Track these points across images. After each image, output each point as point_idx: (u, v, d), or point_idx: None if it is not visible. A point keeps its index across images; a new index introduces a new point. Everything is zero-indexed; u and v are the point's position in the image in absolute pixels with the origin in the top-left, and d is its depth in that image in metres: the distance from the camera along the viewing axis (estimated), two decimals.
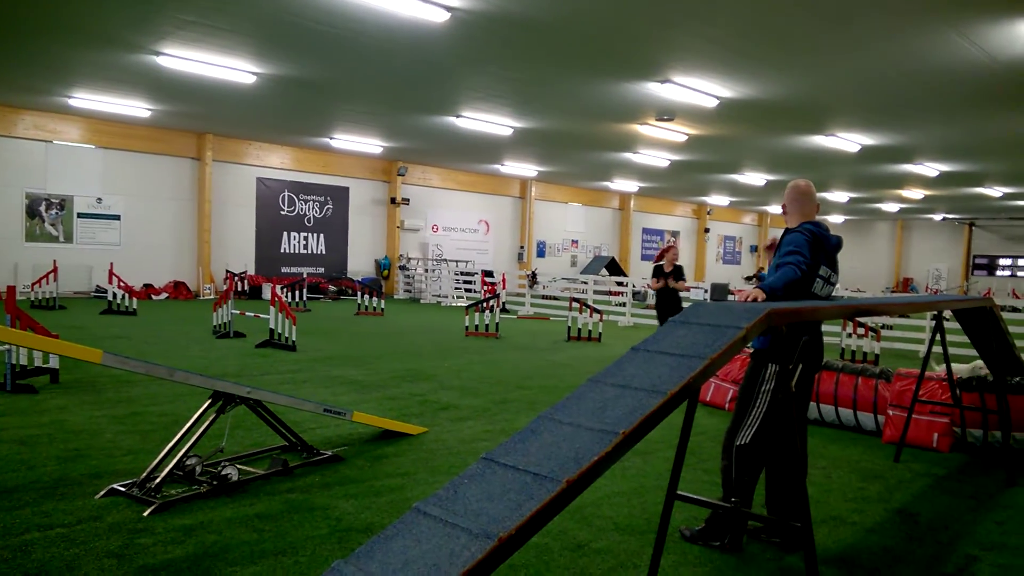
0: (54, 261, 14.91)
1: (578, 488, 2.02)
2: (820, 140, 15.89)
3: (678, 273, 9.93)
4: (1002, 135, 14.62)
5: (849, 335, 11.70)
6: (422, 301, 21.32)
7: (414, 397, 7.18)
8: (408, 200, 23.41)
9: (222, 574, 3.21)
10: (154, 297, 17.80)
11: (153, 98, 14.63)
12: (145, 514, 3.80)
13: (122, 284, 14.13)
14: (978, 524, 4.29)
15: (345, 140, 19.14)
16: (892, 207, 30.79)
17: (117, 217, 17.93)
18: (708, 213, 35.24)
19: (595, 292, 19.03)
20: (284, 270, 21.00)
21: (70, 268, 16.70)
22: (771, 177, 22.72)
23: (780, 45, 9.49)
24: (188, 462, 4.30)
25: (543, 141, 17.98)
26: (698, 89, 11.79)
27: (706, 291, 17.89)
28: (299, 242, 21.53)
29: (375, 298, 16.40)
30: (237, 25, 9.66)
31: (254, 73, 12.11)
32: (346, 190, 22.39)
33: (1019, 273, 35.36)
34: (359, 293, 16.79)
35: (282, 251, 21.16)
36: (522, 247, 27.72)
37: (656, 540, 3.19)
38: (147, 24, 9.74)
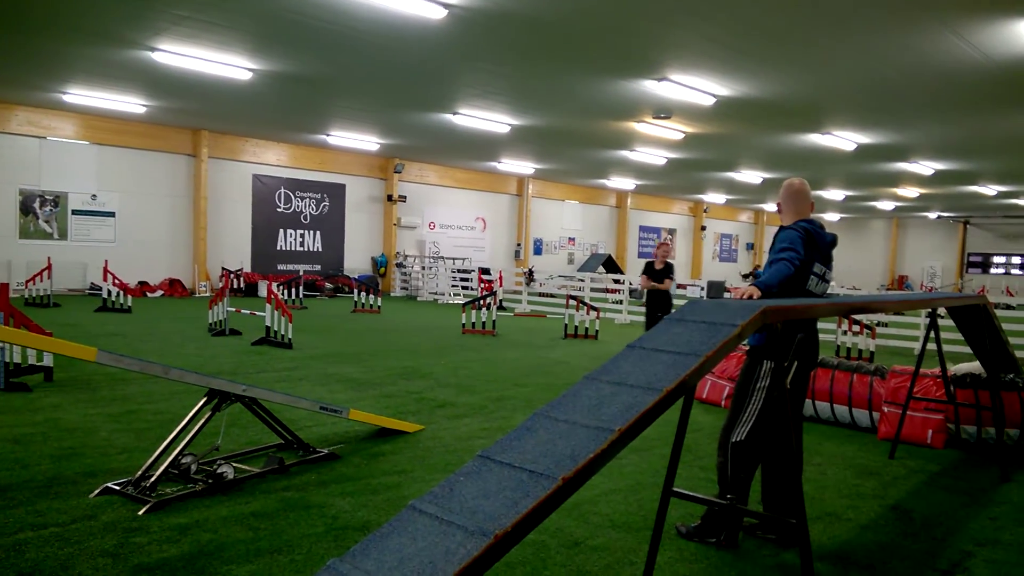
0: (48, 258, 14.84)
1: (574, 485, 2.02)
2: (816, 138, 15.91)
3: (668, 270, 9.71)
4: (996, 134, 14.67)
5: (844, 332, 11.73)
6: (419, 299, 21.31)
7: (411, 395, 7.18)
8: (405, 197, 23.38)
9: (218, 573, 3.20)
10: (149, 295, 17.74)
11: (148, 94, 14.58)
12: (140, 513, 3.79)
13: (117, 281, 14.09)
14: (972, 520, 4.31)
15: (342, 137, 19.10)
16: (887, 205, 30.87)
17: (112, 214, 17.87)
18: (705, 211, 35.29)
19: (592, 289, 19.03)
20: (280, 267, 20.96)
21: (64, 265, 16.63)
22: (767, 175, 22.76)
23: (777, 44, 9.50)
24: (183, 460, 4.29)
25: (540, 139, 17.97)
26: (695, 87, 11.79)
27: (702, 289, 17.93)
28: (295, 239, 21.49)
29: (372, 296, 16.38)
30: (233, 21, 9.63)
31: (250, 69, 12.07)
32: (343, 187, 22.35)
33: (1013, 271, 35.50)
34: (356, 291, 16.76)
35: (278, 248, 21.11)
36: (519, 245, 27.72)
37: (652, 537, 3.19)
38: (142, 19, 9.70)
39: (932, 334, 5.38)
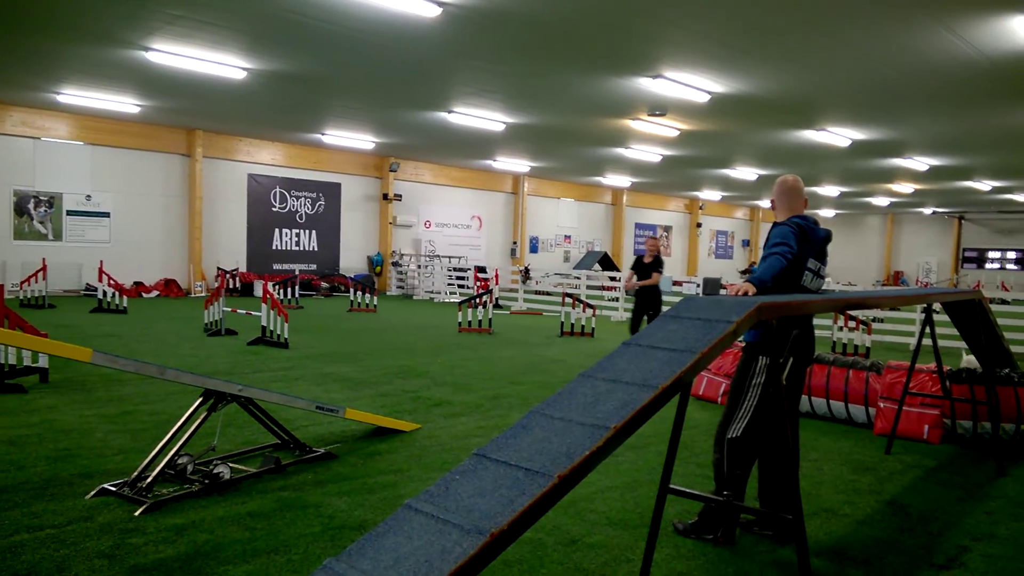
0: (43, 259, 14.80)
1: (570, 483, 2.02)
2: (811, 135, 15.93)
3: (657, 264, 9.45)
4: (991, 129, 14.71)
5: (840, 328, 11.75)
6: (415, 297, 21.29)
7: (407, 394, 7.17)
8: (400, 196, 23.35)
9: (214, 573, 3.20)
10: (144, 295, 17.70)
11: (142, 94, 14.53)
12: (136, 514, 3.78)
13: (112, 282, 14.05)
14: (968, 515, 4.32)
15: (337, 136, 19.06)
16: (883, 201, 30.93)
17: (107, 214, 17.81)
18: (700, 208, 35.32)
19: (588, 287, 19.04)
20: (276, 267, 20.92)
21: (59, 266, 16.58)
22: (763, 172, 22.78)
23: (771, 40, 9.51)
24: (179, 461, 4.28)
25: (535, 136, 17.96)
26: (690, 84, 11.79)
27: (698, 286, 17.95)
28: (291, 239, 21.45)
29: (368, 295, 16.37)
30: (227, 20, 9.60)
31: (244, 68, 12.04)
32: (338, 186, 22.31)
33: (1008, 266, 35.62)
34: (351, 290, 16.73)
35: (274, 248, 21.08)
36: (515, 243, 27.71)
37: (649, 534, 3.20)
38: (136, 19, 9.67)
39: (928, 329, 5.39)
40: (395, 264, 22.99)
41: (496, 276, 18.44)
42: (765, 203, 35.47)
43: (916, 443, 5.90)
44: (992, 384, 5.50)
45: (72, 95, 14.63)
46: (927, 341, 5.54)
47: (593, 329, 13.15)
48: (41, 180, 16.82)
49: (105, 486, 4.09)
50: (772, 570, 3.46)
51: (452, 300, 19.56)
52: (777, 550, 3.68)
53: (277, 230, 21.10)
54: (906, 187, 25.10)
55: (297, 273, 18.89)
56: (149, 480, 4.02)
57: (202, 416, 4.39)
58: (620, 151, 19.75)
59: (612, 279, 19.11)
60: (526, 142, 19.00)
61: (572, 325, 13.19)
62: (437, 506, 2.00)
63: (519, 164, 23.73)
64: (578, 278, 20.23)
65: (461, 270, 21.48)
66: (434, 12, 8.72)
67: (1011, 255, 35.60)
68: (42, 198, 16.89)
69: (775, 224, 3.88)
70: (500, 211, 27.38)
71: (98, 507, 3.87)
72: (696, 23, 8.93)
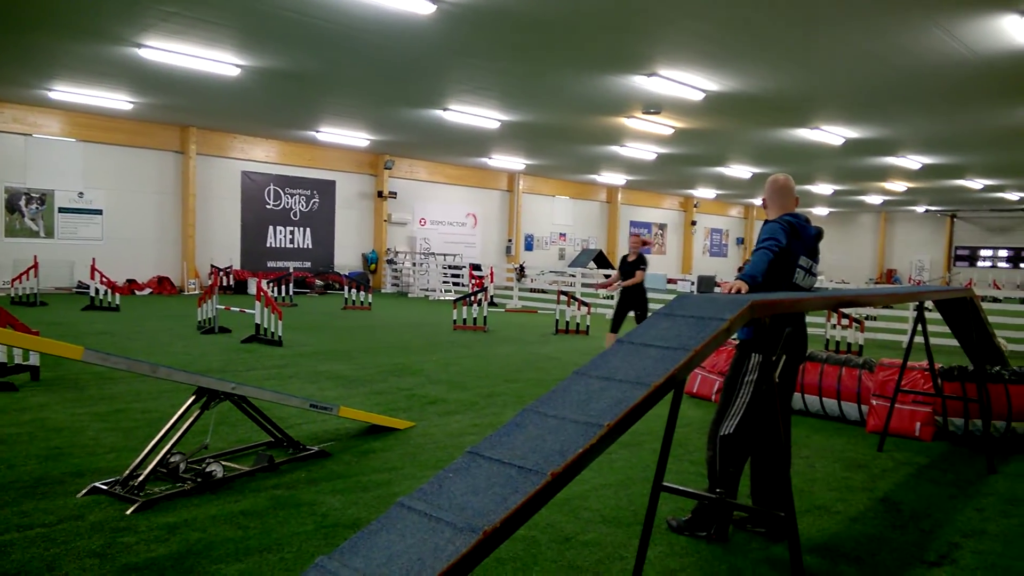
0: (35, 256, 14.71)
1: (563, 481, 2.02)
2: (805, 133, 15.97)
3: (640, 262, 9.10)
4: (983, 128, 14.77)
5: (833, 326, 11.79)
6: (410, 295, 21.27)
7: (401, 391, 7.16)
8: (395, 194, 23.30)
9: (206, 572, 3.19)
10: (137, 292, 17.62)
11: (135, 91, 14.46)
12: (128, 512, 3.76)
13: (104, 279, 13.98)
14: (959, 512, 4.34)
15: (331, 133, 19.01)
16: (875, 199, 31.03)
17: (99, 212, 17.72)
18: (695, 206, 35.37)
19: (583, 285, 19.06)
20: (270, 264, 20.86)
21: (51, 263, 16.49)
22: (757, 170, 22.83)
23: (765, 39, 9.52)
24: (172, 459, 4.26)
25: (530, 134, 17.95)
26: (684, 82, 11.80)
27: (692, 284, 17.99)
28: (285, 236, 21.39)
29: (362, 292, 16.34)
30: (221, 16, 9.55)
31: (238, 65, 11.98)
32: (332, 184, 22.25)
33: (1000, 264, 35.80)
34: (346, 287, 16.71)
35: (268, 245, 21.01)
36: (510, 240, 27.70)
37: (643, 531, 3.20)
38: (129, 15, 9.61)
39: (920, 327, 5.41)
40: (390, 262, 22.95)
41: (491, 274, 18.44)
42: (759, 201, 35.49)
43: (908, 440, 5.93)
44: (983, 382, 5.53)
45: (64, 92, 14.54)
46: (919, 339, 5.56)
47: (588, 327, 13.16)
48: (33, 177, 16.72)
49: (96, 485, 4.07)
50: (765, 567, 3.47)
51: (447, 298, 19.56)
52: (770, 547, 3.69)
53: (271, 227, 21.03)
54: (899, 185, 25.19)
55: (291, 271, 18.84)
56: (141, 478, 4.01)
57: (195, 414, 4.38)
58: (615, 149, 19.76)
59: (607, 276, 19.13)
60: (521, 140, 18.98)
61: (567, 323, 13.20)
62: (430, 504, 1.99)
63: (514, 162, 23.71)
64: (573, 276, 20.24)
65: (456, 268, 21.46)
66: (429, 9, 8.70)
67: (1003, 253, 35.79)
68: (34, 195, 16.79)
69: (766, 222, 3.91)
70: (495, 209, 27.36)
71: (89, 506, 3.86)
72: (691, 22, 8.93)
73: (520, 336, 12.39)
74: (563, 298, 13.46)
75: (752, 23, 8.93)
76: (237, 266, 19.99)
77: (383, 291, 22.26)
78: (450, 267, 21.62)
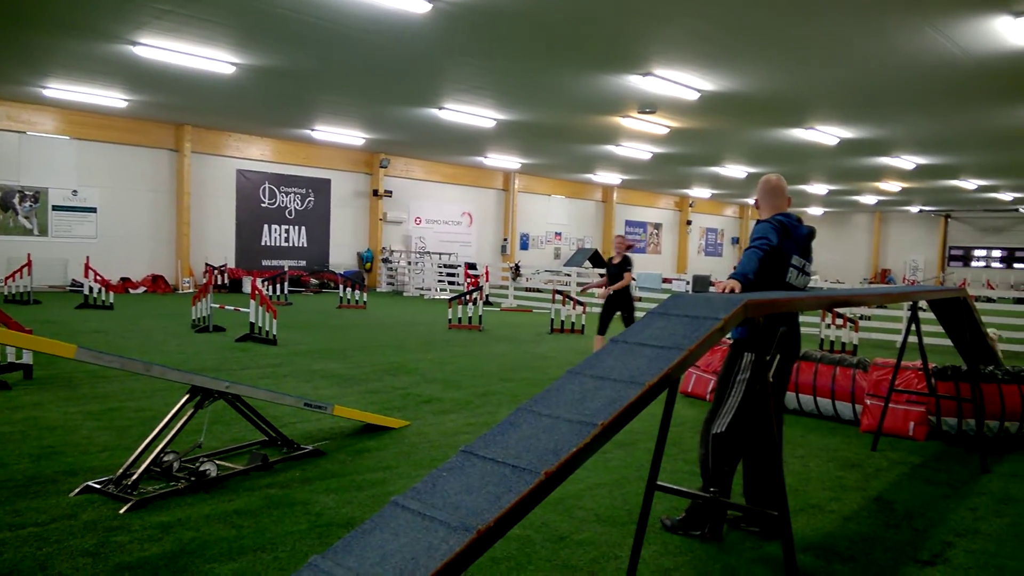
0: (28, 255, 14.64)
1: (557, 480, 2.02)
2: (799, 133, 16.00)
3: (626, 264, 8.85)
4: (976, 128, 14.82)
5: (828, 326, 11.82)
6: (405, 294, 21.25)
7: (396, 390, 7.15)
8: (391, 192, 23.27)
9: (200, 571, 3.18)
10: (131, 291, 17.56)
11: (130, 88, 14.40)
12: (121, 511, 3.75)
13: (98, 278, 13.93)
14: (952, 511, 4.36)
15: (326, 132, 18.97)
16: (870, 199, 31.13)
17: (93, 210, 17.65)
18: (690, 205, 35.43)
19: (578, 284, 19.07)
20: (265, 263, 20.81)
21: (45, 262, 16.42)
22: (752, 169, 22.87)
23: (760, 39, 9.53)
24: (165, 458, 4.25)
25: (526, 133, 17.94)
26: (679, 82, 11.81)
27: (688, 283, 18.01)
28: (280, 235, 21.34)
29: (357, 291, 16.31)
30: (216, 14, 9.52)
31: (233, 63, 11.95)
32: (328, 182, 22.21)
33: (993, 264, 35.95)
34: (341, 286, 16.68)
35: (263, 244, 20.96)
36: (505, 239, 27.69)
37: (637, 531, 3.20)
38: (124, 13, 9.57)
39: (914, 327, 5.42)
40: (385, 261, 22.92)
41: (486, 273, 18.42)
42: (753, 201, 35.64)
43: (902, 440, 5.95)
44: (976, 381, 5.55)
45: (58, 89, 14.48)
46: (913, 338, 5.58)
47: (583, 326, 13.17)
48: (26, 175, 16.64)
49: (90, 484, 4.06)
50: (759, 566, 3.47)
51: (442, 297, 19.54)
52: (763, 546, 3.70)
53: (266, 226, 20.98)
54: (893, 185, 25.26)
55: (286, 269, 18.80)
56: (134, 478, 3.99)
57: (188, 413, 4.36)
58: (610, 148, 19.77)
59: (602, 276, 19.14)
60: (517, 139, 18.98)
61: (562, 322, 13.20)
62: (424, 503, 1.99)
63: (510, 161, 23.70)
64: (568, 275, 20.24)
65: (451, 267, 21.45)
66: (424, 8, 8.69)
67: (996, 253, 35.93)
68: (27, 193, 16.71)
69: (758, 222, 3.94)
70: (491, 208, 27.35)
71: (82, 505, 3.84)
72: (686, 21, 8.94)
73: (515, 335, 12.39)
74: (558, 297, 13.46)
75: (747, 23, 8.94)
76: (232, 265, 19.94)
77: (378, 290, 22.23)
78: (445, 266, 21.60)
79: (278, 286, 16.70)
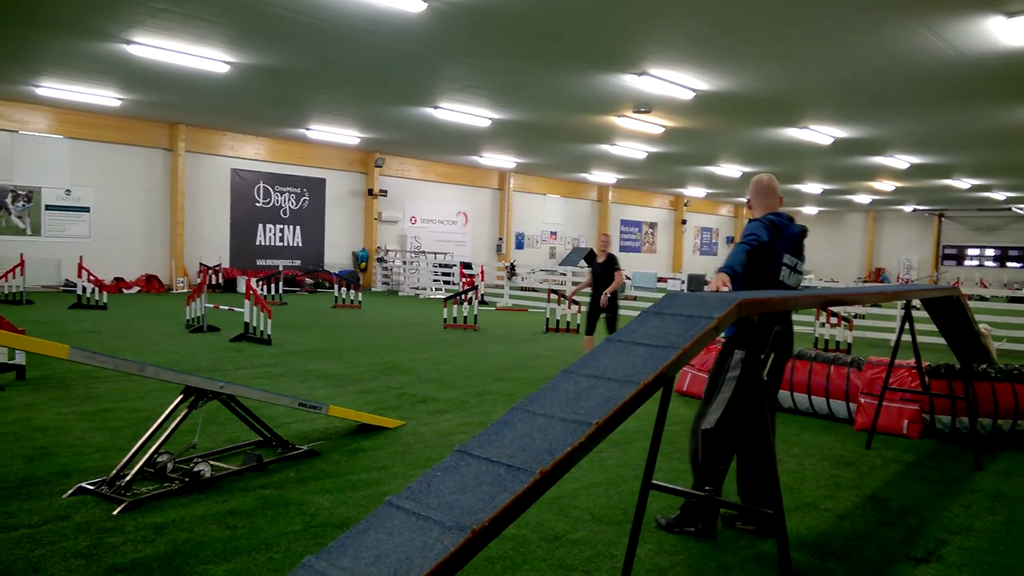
0: (21, 254, 14.57)
1: (551, 479, 2.02)
2: (794, 133, 16.04)
3: (612, 263, 8.54)
4: (970, 128, 14.88)
5: (822, 324, 11.85)
6: (400, 294, 21.22)
7: (391, 390, 7.14)
8: (386, 192, 23.24)
9: (194, 572, 3.17)
10: (125, 291, 17.49)
11: (124, 87, 14.34)
12: (115, 513, 3.73)
13: (92, 278, 13.88)
14: (946, 508, 4.37)
15: (321, 131, 18.93)
16: (864, 199, 31.22)
17: (87, 209, 17.57)
18: (685, 205, 35.48)
19: (573, 283, 19.07)
20: (259, 263, 20.76)
21: (38, 262, 16.35)
22: (747, 169, 22.91)
23: (754, 39, 9.55)
24: (159, 459, 4.23)
25: (521, 133, 17.94)
26: (674, 82, 11.82)
27: (683, 282, 18.05)
28: (275, 234, 21.29)
29: (352, 291, 16.29)
30: (210, 13, 9.49)
31: (228, 63, 11.91)
32: (323, 181, 22.16)
33: (987, 263, 36.09)
34: (336, 286, 16.65)
35: (257, 243, 20.90)
36: (501, 239, 27.69)
37: (632, 530, 3.20)
38: (117, 11, 9.53)
39: (907, 325, 5.44)
40: (380, 260, 22.89)
41: (482, 272, 18.42)
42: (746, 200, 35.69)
43: (896, 438, 5.97)
44: (970, 380, 5.57)
45: (52, 88, 14.41)
46: (907, 337, 5.60)
47: (579, 325, 13.17)
48: (19, 174, 16.56)
49: (83, 485, 4.04)
50: (753, 564, 3.48)
51: (437, 296, 19.53)
52: (758, 544, 3.70)
53: (261, 225, 20.93)
54: (887, 185, 25.35)
55: (281, 269, 18.75)
56: (128, 478, 3.98)
57: (182, 413, 4.35)
58: (605, 148, 19.78)
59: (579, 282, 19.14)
60: (512, 138, 18.97)
61: (557, 321, 13.21)
62: (418, 503, 1.99)
63: (505, 160, 23.69)
64: (564, 274, 20.25)
65: (447, 266, 21.43)
66: (419, 7, 8.68)
67: (989, 252, 36.09)
68: (20, 192, 16.63)
69: (750, 221, 3.98)
70: (486, 207, 27.34)
71: (75, 506, 3.82)
72: (681, 21, 8.94)
73: (510, 335, 12.39)
74: (553, 297, 13.47)
75: (741, 23, 8.95)
76: (226, 264, 19.88)
77: (373, 289, 22.20)
78: (441, 265, 21.59)
79: (273, 286, 16.66)
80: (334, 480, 4.39)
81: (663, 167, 23.69)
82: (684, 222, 35.83)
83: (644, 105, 13.99)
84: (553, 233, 30.06)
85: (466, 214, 26.60)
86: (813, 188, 27.41)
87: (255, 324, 9.98)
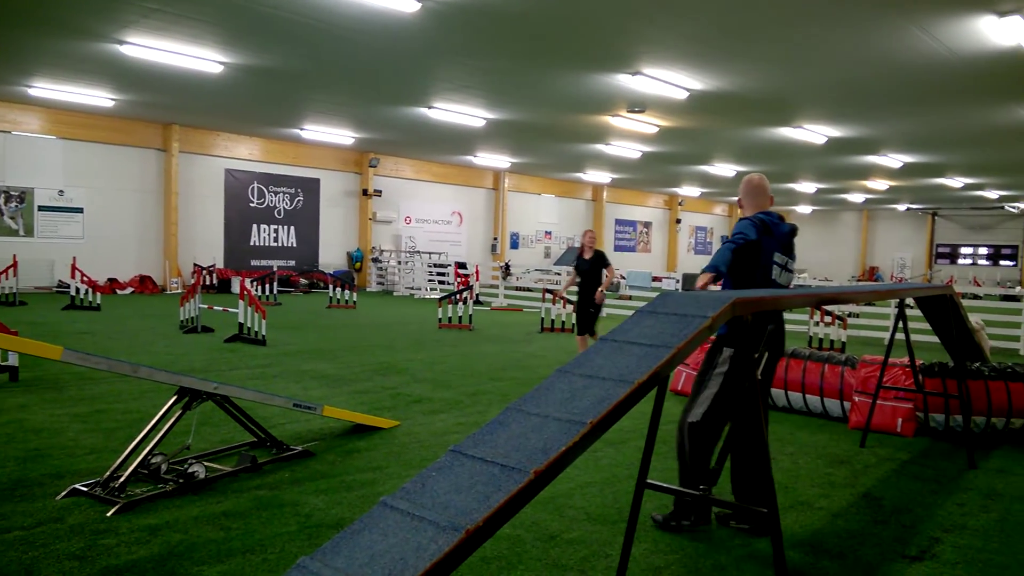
0: (14, 255, 14.50)
1: (546, 479, 2.01)
2: (788, 132, 16.08)
3: (601, 261, 8.39)
4: (962, 127, 14.94)
5: (816, 323, 11.88)
6: (395, 294, 21.20)
7: (386, 390, 7.13)
8: (380, 192, 23.21)
9: (188, 574, 3.16)
10: (119, 292, 17.43)
11: (117, 88, 14.29)
12: (108, 514, 3.72)
13: (85, 279, 13.82)
14: (940, 507, 4.39)
15: (315, 131, 18.89)
16: (858, 198, 31.32)
17: (80, 210, 17.50)
18: (680, 204, 35.53)
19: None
20: (254, 263, 20.70)
21: (31, 262, 16.27)
22: (741, 168, 22.96)
23: (748, 39, 9.57)
24: (153, 460, 4.22)
25: (516, 132, 17.94)
26: (669, 81, 11.84)
27: (677, 281, 18.07)
28: (269, 235, 21.24)
29: (347, 291, 16.26)
30: (203, 13, 9.46)
31: (221, 63, 11.87)
32: (317, 182, 22.12)
33: (980, 262, 36.25)
34: (331, 286, 16.62)
35: (251, 244, 20.85)
36: (495, 239, 27.68)
37: (627, 529, 3.20)
38: (110, 11, 9.49)
39: (901, 324, 5.46)
40: (375, 260, 22.85)
41: (476, 272, 18.42)
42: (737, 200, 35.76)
43: (890, 436, 5.99)
44: (963, 378, 5.60)
45: (44, 88, 14.35)
46: (901, 336, 5.61)
47: (574, 325, 13.15)
48: (12, 175, 16.48)
49: (76, 486, 4.02)
50: (748, 563, 3.49)
51: (432, 296, 19.51)
52: (753, 543, 3.71)
53: (255, 226, 20.87)
54: (881, 184, 25.44)
55: (275, 269, 18.72)
56: (122, 480, 3.96)
57: (176, 414, 4.33)
58: (600, 147, 19.79)
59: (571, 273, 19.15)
60: (507, 138, 18.97)
61: (552, 321, 13.21)
62: (413, 503, 1.98)
63: (500, 160, 23.69)
64: (559, 274, 20.25)
65: (441, 266, 21.42)
66: (413, 7, 8.67)
67: (983, 251, 36.25)
68: (13, 193, 16.55)
69: (740, 219, 4.02)
70: (481, 207, 27.33)
71: (69, 508, 3.81)
72: (675, 21, 8.96)
73: (505, 334, 12.38)
74: (548, 296, 13.47)
75: (736, 23, 8.97)
76: (220, 265, 19.82)
77: (368, 290, 22.17)
78: (435, 265, 21.57)
79: (267, 286, 16.62)
80: (329, 481, 4.39)
81: (657, 167, 23.72)
82: (679, 221, 35.88)
83: (638, 104, 14.01)
84: (548, 233, 30.06)
85: (461, 214, 26.58)
86: (807, 187, 27.49)
87: (249, 325, 9.95)
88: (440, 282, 20.72)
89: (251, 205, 20.71)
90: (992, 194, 27.98)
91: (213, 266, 19.22)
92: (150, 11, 9.39)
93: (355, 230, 23.24)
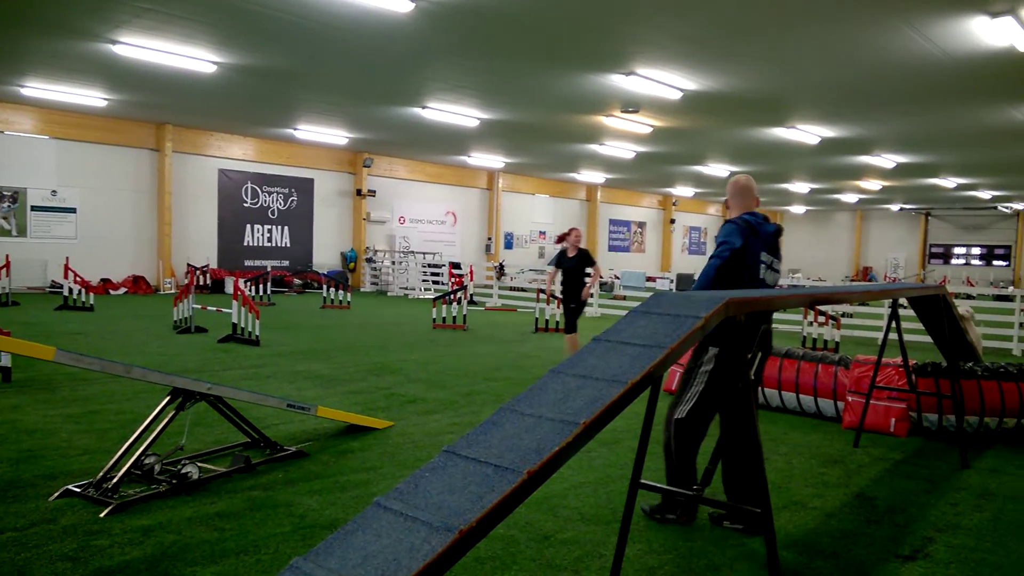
0: (6, 256, 14.43)
1: (539, 479, 2.02)
2: (781, 132, 16.13)
3: (585, 259, 8.25)
4: (955, 127, 15.02)
5: (810, 323, 11.91)
6: (389, 294, 21.17)
7: (380, 391, 7.13)
8: (374, 192, 23.18)
9: (181, 575, 3.15)
10: (112, 292, 17.36)
11: (110, 87, 14.23)
12: (101, 515, 3.70)
13: (78, 279, 13.76)
14: (933, 506, 4.41)
15: (309, 131, 18.86)
16: (851, 198, 31.44)
17: (73, 210, 17.43)
18: (674, 204, 35.60)
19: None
20: (247, 263, 20.65)
21: (24, 263, 16.20)
22: (735, 168, 23.02)
23: (741, 39, 9.60)
24: (146, 461, 4.20)
25: (510, 132, 17.94)
26: (662, 81, 11.86)
27: (672, 281, 18.10)
28: (263, 235, 21.19)
29: (341, 291, 16.23)
30: (197, 13, 9.43)
31: (215, 63, 11.84)
32: (311, 182, 22.08)
33: (973, 262, 36.43)
34: (325, 286, 16.60)
35: (245, 244, 20.80)
36: (490, 239, 27.68)
37: (621, 529, 3.21)
38: (103, 11, 9.46)
39: (894, 324, 5.48)
40: (369, 260, 22.82)
41: (471, 272, 18.41)
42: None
43: (883, 436, 6.01)
44: (956, 378, 5.62)
45: (37, 88, 14.28)
46: (894, 336, 5.63)
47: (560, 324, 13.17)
48: (5, 175, 16.40)
49: (69, 487, 4.01)
50: (742, 563, 3.50)
51: (426, 296, 19.49)
52: (746, 543, 3.72)
53: (248, 226, 20.83)
54: (874, 184, 25.54)
55: (269, 269, 18.66)
56: (115, 481, 3.94)
57: (170, 415, 4.32)
58: (594, 147, 19.82)
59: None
60: (501, 138, 18.97)
61: (546, 321, 13.21)
62: (406, 503, 1.98)
63: (494, 160, 23.69)
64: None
65: (436, 266, 21.40)
66: (407, 7, 8.66)
67: (976, 251, 36.43)
68: (5, 193, 16.47)
69: (726, 221, 4.04)
70: (475, 207, 27.32)
71: (62, 509, 3.79)
72: (669, 21, 8.98)
73: (499, 334, 12.38)
74: (543, 296, 13.47)
75: (728, 23, 9.00)
76: (214, 265, 19.77)
77: (362, 290, 22.13)
78: (430, 265, 21.56)
79: (261, 286, 16.58)
80: (322, 481, 4.38)
81: (651, 167, 23.76)
82: (673, 221, 35.95)
83: (632, 105, 14.03)
84: (542, 233, 30.08)
85: (455, 214, 26.57)
86: (800, 187, 27.58)
87: (243, 325, 9.92)
88: (434, 282, 20.70)
89: (245, 205, 20.66)
90: (985, 194, 28.12)
91: (207, 266, 19.17)
92: (143, 11, 9.36)
93: (349, 230, 23.21)
